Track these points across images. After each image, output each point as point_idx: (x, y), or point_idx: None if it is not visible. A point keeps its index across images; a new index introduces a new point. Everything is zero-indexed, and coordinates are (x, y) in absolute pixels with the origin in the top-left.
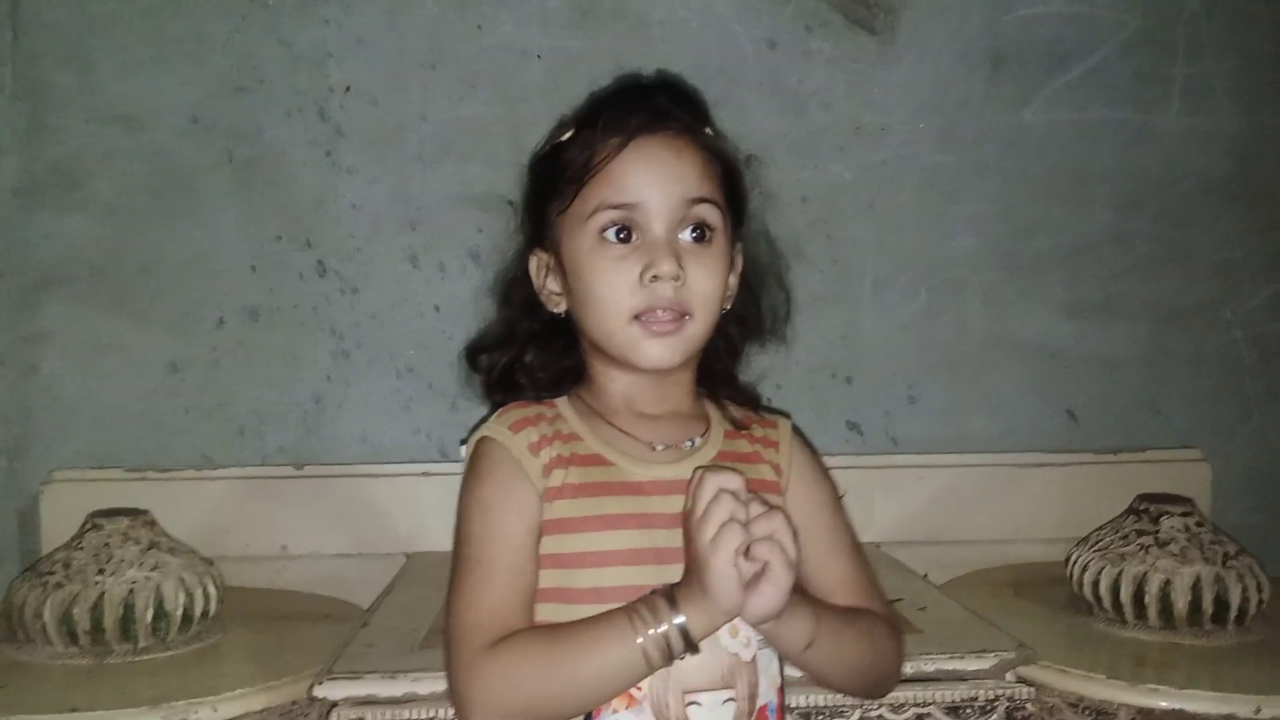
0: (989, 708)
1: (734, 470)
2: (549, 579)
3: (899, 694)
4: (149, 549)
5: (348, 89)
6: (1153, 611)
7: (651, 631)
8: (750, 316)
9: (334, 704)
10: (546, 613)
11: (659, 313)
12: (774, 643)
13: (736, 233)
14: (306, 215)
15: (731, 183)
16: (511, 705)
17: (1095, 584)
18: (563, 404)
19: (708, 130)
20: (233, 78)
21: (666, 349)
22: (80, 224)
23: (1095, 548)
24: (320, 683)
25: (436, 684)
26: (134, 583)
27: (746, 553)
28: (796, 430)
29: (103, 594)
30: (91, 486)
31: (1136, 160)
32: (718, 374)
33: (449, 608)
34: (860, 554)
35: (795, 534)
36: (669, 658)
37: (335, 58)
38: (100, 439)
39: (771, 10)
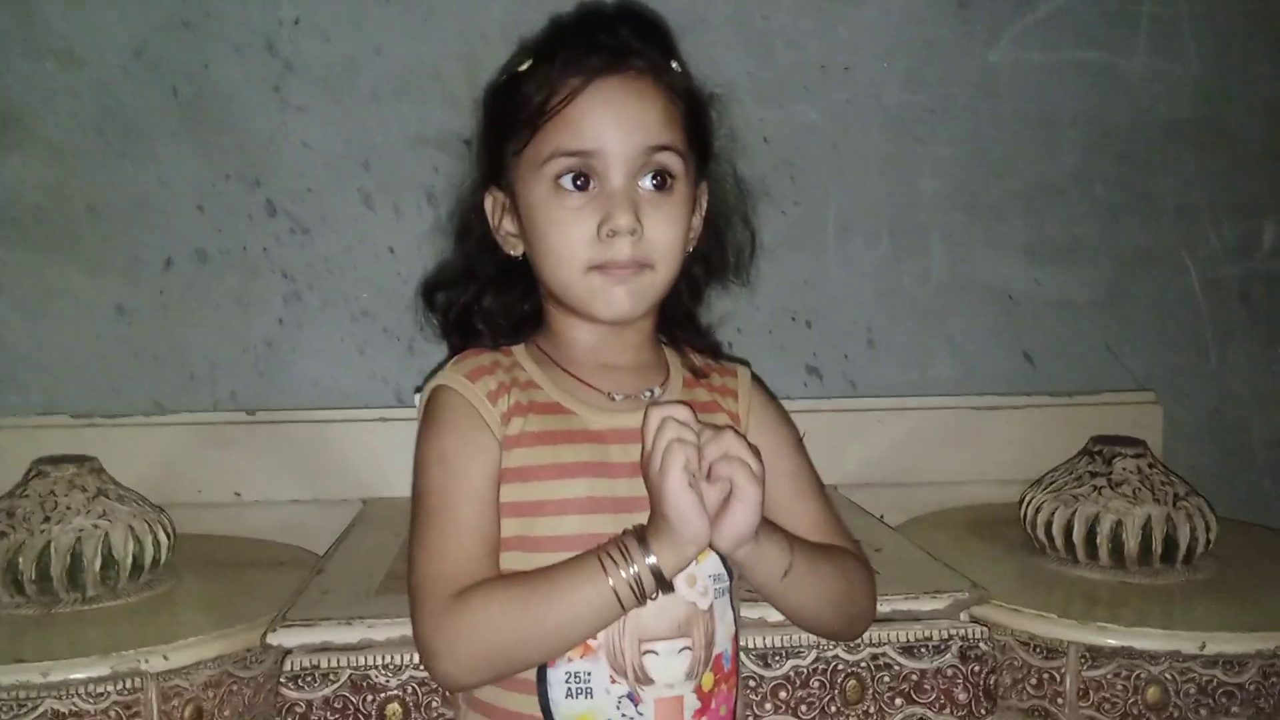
0: (943, 647)
1: (682, 403)
2: (509, 528)
3: None
4: (96, 496)
5: (296, 21)
6: (1104, 551)
7: (623, 573)
8: (714, 257)
9: (288, 651)
10: (509, 561)
11: (616, 268)
12: (751, 572)
13: (702, 171)
14: (256, 154)
15: (696, 121)
16: (481, 652)
17: (1048, 524)
18: (519, 352)
19: (674, 65)
20: (178, 11)
21: (627, 298)
22: (22, 164)
23: (1049, 489)
24: (274, 630)
25: (392, 630)
26: (81, 530)
27: (709, 478)
28: (756, 378)
29: (49, 543)
30: (38, 434)
31: (1102, 102)
32: (679, 316)
33: (411, 560)
34: (825, 494)
35: (757, 452)
36: (642, 598)
37: None
38: (48, 385)
39: None
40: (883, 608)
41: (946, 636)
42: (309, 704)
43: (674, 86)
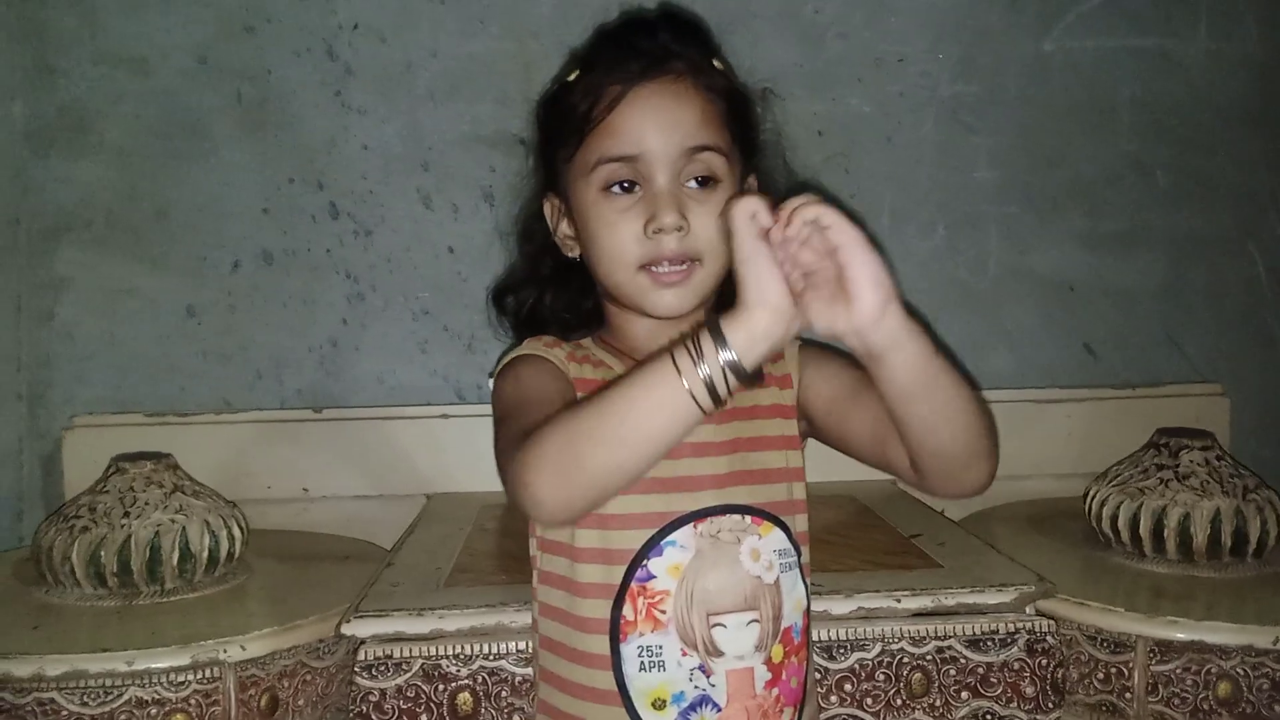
0: (1009, 640)
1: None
2: None
3: (919, 628)
4: (173, 492)
5: (355, 26)
6: (1171, 545)
7: (699, 372)
8: None
9: (361, 641)
10: (560, 533)
11: (665, 264)
12: (900, 353)
13: (749, 164)
14: (318, 157)
15: (739, 117)
16: (562, 459)
17: (1114, 518)
18: (587, 343)
19: (715, 63)
20: (240, 16)
21: (676, 297)
22: (92, 168)
23: (1114, 482)
24: (348, 620)
25: (462, 621)
26: (159, 525)
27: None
28: (808, 341)
29: (129, 537)
30: (113, 432)
31: (1159, 87)
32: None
33: (498, 452)
34: None
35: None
36: (717, 399)
37: None
38: (120, 384)
39: None
40: (948, 601)
41: (1013, 630)
42: (382, 693)
43: (714, 86)
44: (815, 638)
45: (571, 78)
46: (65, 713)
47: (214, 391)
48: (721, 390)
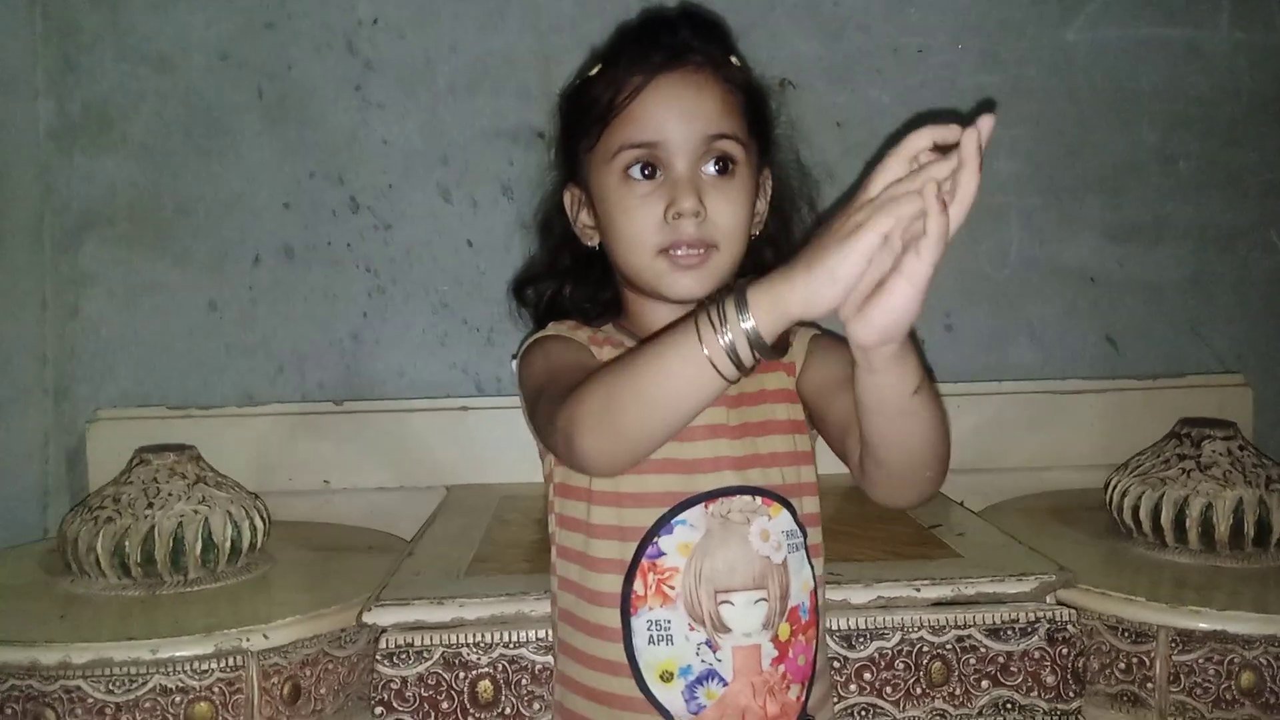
0: (1029, 630)
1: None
2: (580, 480)
3: (940, 616)
4: (196, 483)
5: (375, 21)
6: (1193, 535)
7: (719, 340)
8: (782, 241)
9: (383, 630)
10: (577, 510)
11: (684, 248)
12: (884, 376)
13: (765, 158)
14: (338, 151)
15: (756, 111)
16: (602, 412)
17: (1135, 508)
18: (609, 328)
19: (732, 59)
20: (260, 13)
21: (694, 281)
22: (116, 165)
23: (1135, 472)
24: (369, 609)
25: (483, 609)
26: (182, 516)
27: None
28: (821, 331)
29: (153, 527)
30: (136, 424)
31: (1183, 78)
32: None
33: (539, 414)
34: None
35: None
36: (741, 368)
37: None
38: (143, 378)
39: None
40: (968, 590)
41: (1034, 619)
42: (403, 680)
43: (732, 79)
44: (835, 626)
45: (594, 72)
46: (91, 700)
47: (236, 385)
48: (745, 356)
